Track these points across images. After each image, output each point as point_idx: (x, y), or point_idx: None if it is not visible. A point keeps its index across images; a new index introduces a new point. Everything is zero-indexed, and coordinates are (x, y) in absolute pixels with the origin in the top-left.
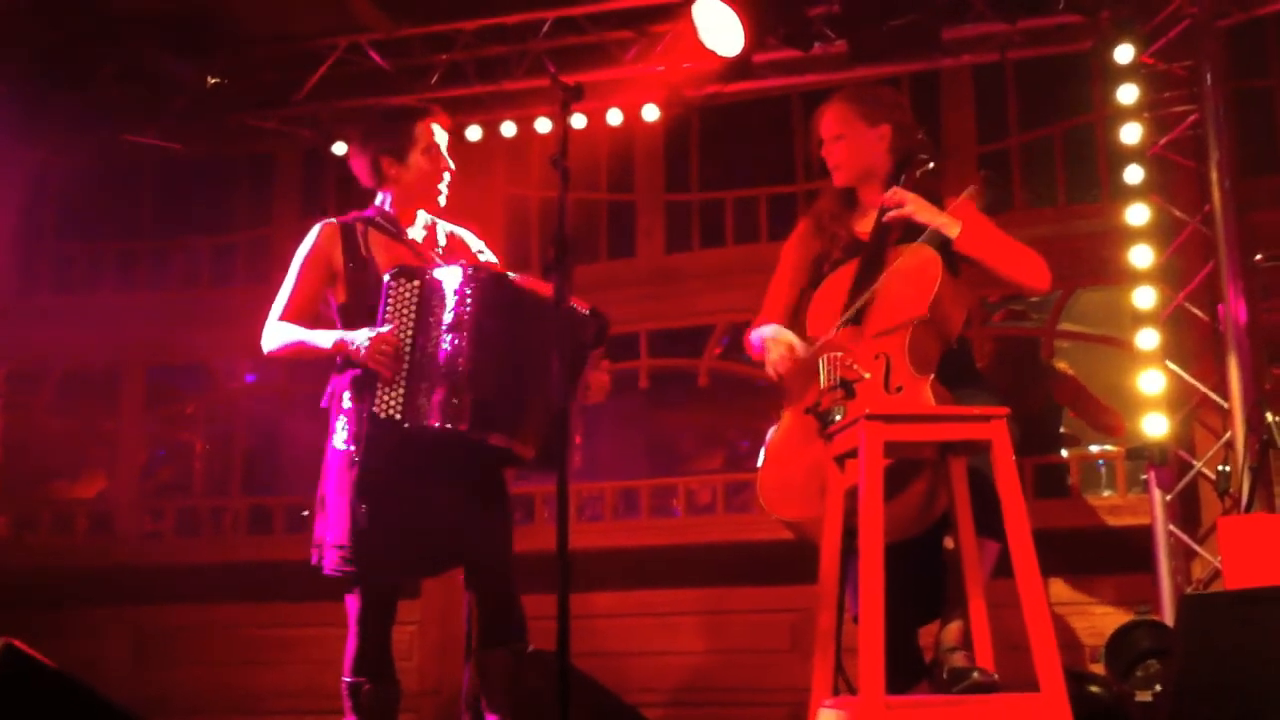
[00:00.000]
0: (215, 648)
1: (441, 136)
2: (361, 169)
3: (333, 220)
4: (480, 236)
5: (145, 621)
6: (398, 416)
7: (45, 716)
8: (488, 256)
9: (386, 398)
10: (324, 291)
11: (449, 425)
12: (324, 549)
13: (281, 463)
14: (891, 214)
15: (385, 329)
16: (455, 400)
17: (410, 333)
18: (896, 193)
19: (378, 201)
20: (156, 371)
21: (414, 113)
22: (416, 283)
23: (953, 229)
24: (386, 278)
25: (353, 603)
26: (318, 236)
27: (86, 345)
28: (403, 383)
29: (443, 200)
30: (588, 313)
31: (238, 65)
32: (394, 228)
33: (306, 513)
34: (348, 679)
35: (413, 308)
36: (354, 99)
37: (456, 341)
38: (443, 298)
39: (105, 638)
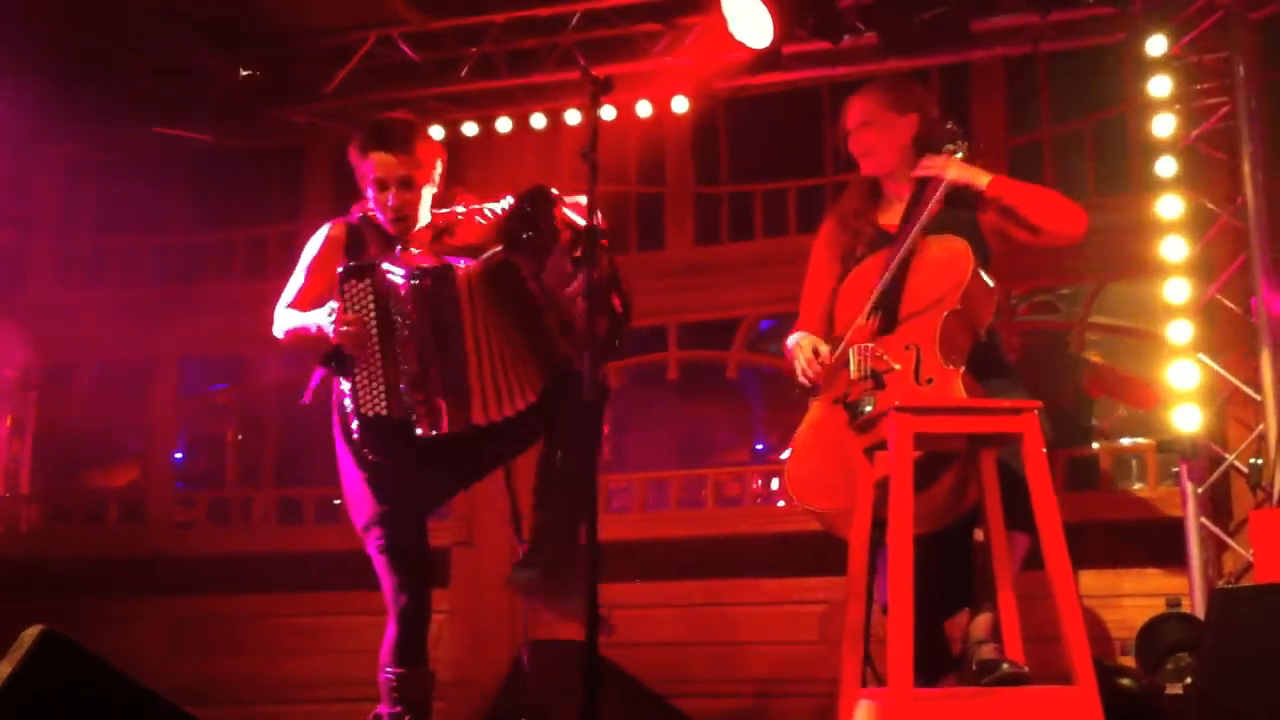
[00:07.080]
0: (245, 637)
1: (384, 168)
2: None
3: (341, 221)
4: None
5: (176, 611)
6: (384, 413)
7: (83, 703)
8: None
9: (368, 396)
10: (328, 289)
11: (434, 431)
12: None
13: (312, 454)
14: (922, 172)
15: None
16: (428, 402)
17: (373, 326)
18: (928, 159)
19: None
20: (189, 362)
21: (359, 147)
22: (367, 281)
23: (982, 179)
24: (340, 273)
25: (388, 586)
26: (327, 236)
27: (120, 336)
28: (380, 377)
29: (405, 229)
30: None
31: (270, 59)
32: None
33: (339, 501)
34: (386, 667)
35: (369, 303)
36: (385, 92)
37: (418, 344)
38: (397, 297)
39: (136, 627)
